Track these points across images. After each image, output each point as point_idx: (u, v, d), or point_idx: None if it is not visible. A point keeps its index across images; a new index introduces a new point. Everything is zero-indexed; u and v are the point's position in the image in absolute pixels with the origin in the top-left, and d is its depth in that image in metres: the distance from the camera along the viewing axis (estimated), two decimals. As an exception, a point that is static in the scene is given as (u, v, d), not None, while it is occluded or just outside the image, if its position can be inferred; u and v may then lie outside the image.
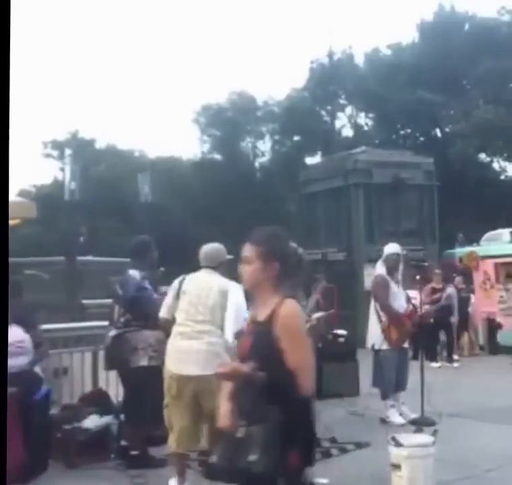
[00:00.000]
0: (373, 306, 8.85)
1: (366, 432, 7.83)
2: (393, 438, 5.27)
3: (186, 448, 5.86)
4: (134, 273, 6.77)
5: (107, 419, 7.09)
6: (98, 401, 7.41)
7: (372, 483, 6.01)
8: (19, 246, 18.77)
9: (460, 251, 20.82)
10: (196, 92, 73.82)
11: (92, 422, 6.97)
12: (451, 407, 8.71)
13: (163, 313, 6.09)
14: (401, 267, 8.92)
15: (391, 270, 8.78)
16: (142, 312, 6.64)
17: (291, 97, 40.92)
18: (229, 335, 5.59)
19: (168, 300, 6.06)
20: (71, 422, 6.87)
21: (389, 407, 8.62)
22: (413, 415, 8.36)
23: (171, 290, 6.04)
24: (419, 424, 7.70)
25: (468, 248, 20.03)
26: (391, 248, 8.93)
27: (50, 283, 13.71)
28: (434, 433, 6.57)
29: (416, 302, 11.67)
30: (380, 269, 8.87)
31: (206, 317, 5.74)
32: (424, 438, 5.55)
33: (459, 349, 15.62)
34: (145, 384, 6.47)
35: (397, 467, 5.18)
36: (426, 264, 13.76)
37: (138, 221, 23.78)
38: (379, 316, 8.67)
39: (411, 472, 5.14)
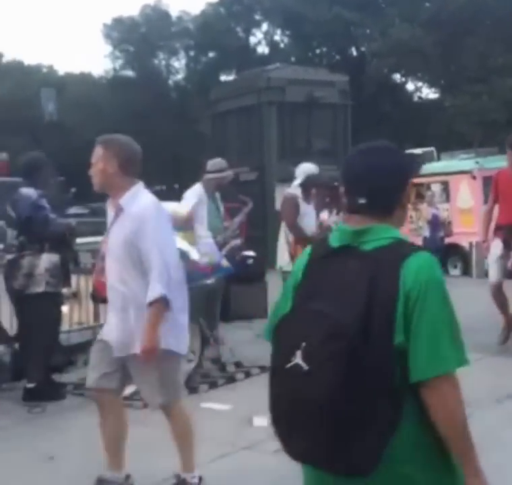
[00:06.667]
0: (282, 226, 8.52)
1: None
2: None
3: None
4: (28, 192, 6.26)
5: (-1, 348, 6.73)
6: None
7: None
8: None
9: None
10: (107, 5, 71.57)
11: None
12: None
13: None
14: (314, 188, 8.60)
15: (306, 190, 8.43)
16: (38, 234, 6.19)
17: (206, 12, 39.85)
18: None
19: None
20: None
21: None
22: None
23: None
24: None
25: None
26: (307, 168, 8.58)
27: None
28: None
29: (326, 223, 11.50)
30: (294, 188, 8.47)
31: None
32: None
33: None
34: (42, 312, 6.11)
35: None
36: (336, 184, 13.54)
37: (43, 141, 22.87)
38: (287, 237, 8.35)
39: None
